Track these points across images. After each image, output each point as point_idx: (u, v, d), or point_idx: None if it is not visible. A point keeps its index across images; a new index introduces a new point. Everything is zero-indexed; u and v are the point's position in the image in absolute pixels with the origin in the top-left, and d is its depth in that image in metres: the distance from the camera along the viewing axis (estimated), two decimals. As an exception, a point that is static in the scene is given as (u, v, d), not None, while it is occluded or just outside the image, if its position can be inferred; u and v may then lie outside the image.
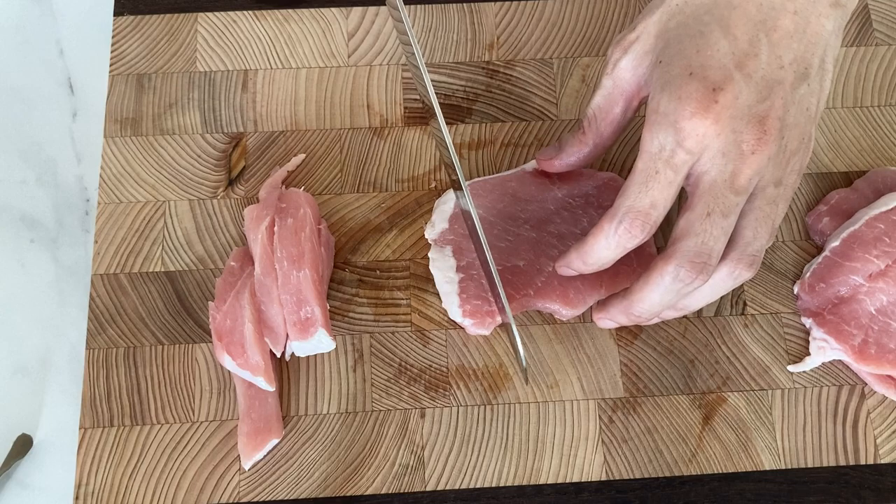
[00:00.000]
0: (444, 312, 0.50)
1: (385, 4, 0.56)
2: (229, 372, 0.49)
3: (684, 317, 0.51)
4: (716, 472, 0.48)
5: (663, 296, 0.43)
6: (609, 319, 0.47)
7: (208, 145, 0.54)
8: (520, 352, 0.45)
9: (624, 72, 0.44)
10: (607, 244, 0.43)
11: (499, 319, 0.49)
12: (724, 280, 0.43)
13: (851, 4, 0.44)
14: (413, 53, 0.46)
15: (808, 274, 0.51)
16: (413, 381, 0.49)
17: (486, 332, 0.49)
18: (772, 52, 0.41)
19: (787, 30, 0.41)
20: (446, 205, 0.51)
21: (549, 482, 0.48)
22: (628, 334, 0.50)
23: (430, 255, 0.50)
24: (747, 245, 0.43)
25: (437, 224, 0.51)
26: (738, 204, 0.42)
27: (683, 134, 0.40)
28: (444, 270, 0.50)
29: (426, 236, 0.51)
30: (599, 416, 0.49)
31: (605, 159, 0.54)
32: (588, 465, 0.48)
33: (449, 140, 0.46)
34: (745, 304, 0.51)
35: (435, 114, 0.46)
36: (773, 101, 0.41)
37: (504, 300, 0.46)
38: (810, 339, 0.50)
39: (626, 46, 0.44)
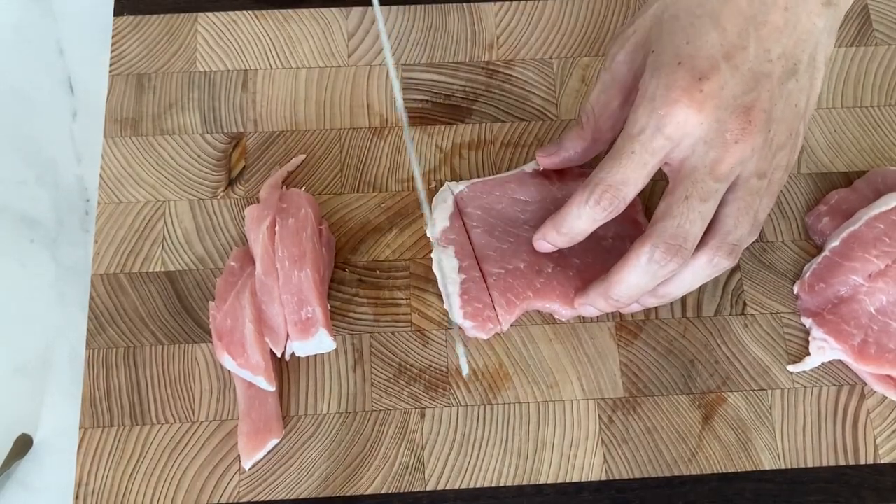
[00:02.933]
0: (445, 312, 0.50)
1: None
2: (229, 372, 0.49)
3: (684, 317, 0.51)
4: (715, 471, 0.48)
5: (640, 278, 0.43)
6: (589, 305, 0.47)
7: (208, 145, 0.54)
8: (463, 365, 0.48)
9: (621, 65, 0.45)
10: (579, 213, 0.44)
11: (499, 326, 0.49)
12: (703, 267, 0.44)
13: (845, 5, 0.44)
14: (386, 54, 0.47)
15: (807, 274, 0.51)
16: (413, 381, 0.49)
17: (485, 337, 0.49)
18: (760, 46, 0.42)
19: (777, 25, 0.42)
20: (446, 202, 0.51)
21: (549, 482, 0.48)
22: (628, 334, 0.50)
23: (432, 255, 0.50)
24: (727, 234, 0.43)
25: (438, 222, 0.51)
26: (718, 190, 0.42)
27: (665, 120, 0.41)
28: (447, 271, 0.50)
29: (427, 234, 0.51)
30: (599, 415, 0.49)
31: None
32: (588, 465, 0.48)
33: (411, 148, 0.49)
34: (744, 303, 0.51)
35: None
36: (760, 93, 0.41)
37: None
38: (810, 339, 0.50)
39: (623, 41, 0.45)
